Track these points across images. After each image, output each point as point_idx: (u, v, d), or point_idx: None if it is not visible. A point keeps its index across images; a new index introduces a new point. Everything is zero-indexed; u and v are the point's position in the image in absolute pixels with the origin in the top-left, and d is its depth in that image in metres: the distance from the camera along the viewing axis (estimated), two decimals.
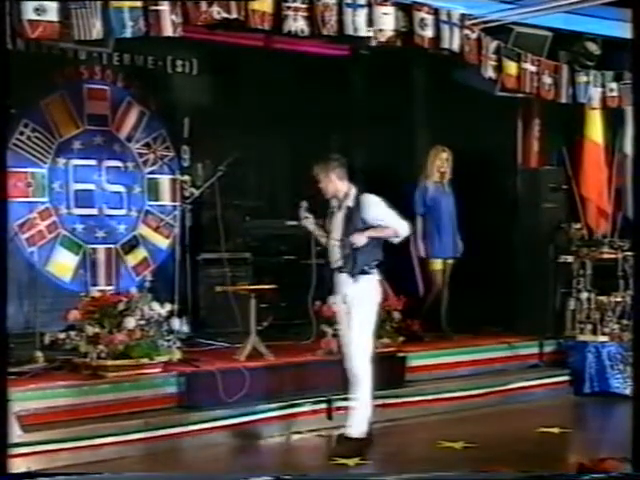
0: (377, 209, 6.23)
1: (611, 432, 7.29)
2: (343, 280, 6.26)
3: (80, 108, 8.48)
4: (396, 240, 6.31)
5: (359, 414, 6.18)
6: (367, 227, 6.16)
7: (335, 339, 7.35)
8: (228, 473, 5.57)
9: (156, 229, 8.92)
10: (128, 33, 6.14)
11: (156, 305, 6.82)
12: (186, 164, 9.08)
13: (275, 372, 7.01)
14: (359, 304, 6.19)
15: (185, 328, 7.24)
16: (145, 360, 6.58)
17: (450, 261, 8.37)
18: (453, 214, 8.36)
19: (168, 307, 6.91)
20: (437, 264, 8.31)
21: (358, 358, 6.16)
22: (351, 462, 5.96)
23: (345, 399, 6.83)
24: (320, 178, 6.34)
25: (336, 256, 6.26)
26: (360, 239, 6.12)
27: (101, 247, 8.58)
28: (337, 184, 6.32)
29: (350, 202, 6.28)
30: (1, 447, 4.20)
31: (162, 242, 8.94)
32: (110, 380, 6.42)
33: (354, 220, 6.21)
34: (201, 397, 6.61)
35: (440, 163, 8.34)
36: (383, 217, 6.22)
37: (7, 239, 4.43)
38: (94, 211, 8.58)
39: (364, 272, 6.19)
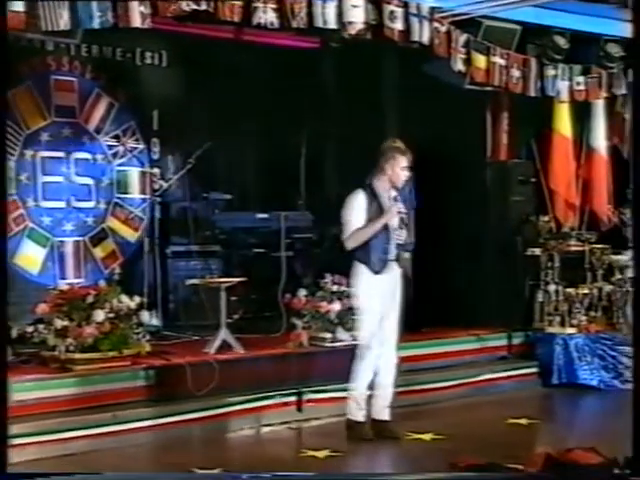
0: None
1: (578, 423, 7.37)
2: (389, 270, 6.30)
3: (47, 100, 8.41)
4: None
5: (389, 396, 6.38)
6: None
7: (305, 332, 7.39)
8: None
9: (125, 222, 8.89)
10: (96, 24, 6.09)
11: (125, 298, 6.80)
12: (156, 156, 9.04)
13: (245, 365, 7.01)
14: (399, 292, 6.36)
15: (155, 321, 7.24)
16: (114, 353, 6.55)
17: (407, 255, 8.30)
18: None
19: (137, 300, 6.89)
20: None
21: (394, 345, 6.36)
22: (320, 454, 5.98)
23: (317, 391, 6.91)
24: (406, 167, 6.31)
25: (392, 246, 6.30)
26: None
27: (69, 240, 8.53)
28: None
29: (398, 196, 6.34)
30: (1, 447, 4.21)
31: (131, 235, 8.89)
32: (79, 373, 6.39)
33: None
34: (171, 390, 6.59)
35: None
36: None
37: (6, 238, 4.40)
38: (62, 204, 8.53)
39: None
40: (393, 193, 6.30)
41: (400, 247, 6.39)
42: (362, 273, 6.33)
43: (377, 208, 6.26)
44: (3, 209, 4.32)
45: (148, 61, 8.96)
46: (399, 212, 6.27)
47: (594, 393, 8.15)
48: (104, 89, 8.77)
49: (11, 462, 5.38)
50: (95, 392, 6.37)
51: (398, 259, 6.38)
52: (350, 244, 6.30)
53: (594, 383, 8.25)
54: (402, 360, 7.13)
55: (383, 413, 6.43)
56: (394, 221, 6.29)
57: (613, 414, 7.49)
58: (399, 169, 6.28)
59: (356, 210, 6.27)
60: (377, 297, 6.29)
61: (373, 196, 6.29)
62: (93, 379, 6.40)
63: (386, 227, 6.27)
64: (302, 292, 7.55)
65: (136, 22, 6.20)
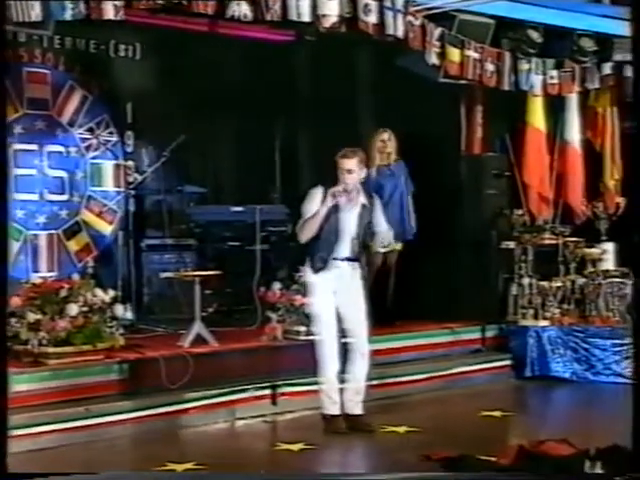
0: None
1: (551, 415, 7.42)
2: (343, 270, 6.31)
3: (20, 92, 8.34)
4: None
5: (362, 390, 6.40)
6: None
7: (280, 325, 7.39)
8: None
9: (99, 215, 8.84)
10: (68, 16, 6.05)
11: (99, 291, 6.78)
12: (130, 149, 9.02)
13: (219, 358, 7.00)
14: (362, 289, 6.36)
15: (128, 315, 7.19)
16: (88, 347, 6.53)
17: (398, 246, 8.34)
18: (402, 196, 8.31)
19: (111, 293, 6.87)
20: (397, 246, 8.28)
21: (366, 338, 6.37)
22: (295, 448, 5.98)
23: (291, 385, 6.91)
24: (355, 167, 6.29)
25: (346, 248, 6.29)
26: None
27: (42, 233, 8.47)
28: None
29: (363, 199, 6.33)
30: (1, 447, 4.23)
31: (105, 228, 8.86)
32: (52, 367, 6.36)
33: (365, 219, 6.32)
34: (144, 384, 6.57)
35: (381, 144, 8.31)
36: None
37: (7, 236, 4.39)
38: (35, 196, 8.47)
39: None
40: (358, 197, 6.32)
41: (361, 245, 6.37)
42: (307, 269, 6.44)
43: (331, 210, 6.25)
44: (4, 208, 4.31)
45: (122, 53, 8.92)
46: (345, 200, 6.24)
47: (567, 385, 8.21)
48: (77, 81, 8.72)
49: None
50: (68, 386, 6.33)
51: (354, 258, 6.34)
52: (300, 237, 6.35)
53: (567, 375, 8.31)
54: (376, 353, 7.18)
55: (356, 408, 6.43)
56: (349, 226, 6.28)
57: (585, 406, 7.56)
58: (339, 172, 6.28)
59: (311, 204, 6.30)
60: (322, 294, 6.34)
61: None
62: (66, 373, 6.36)
63: (335, 225, 6.26)
64: (277, 285, 7.54)
65: (109, 14, 6.17)
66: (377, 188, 8.10)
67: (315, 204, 6.29)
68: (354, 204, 6.31)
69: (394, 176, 8.31)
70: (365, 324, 6.41)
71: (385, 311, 8.33)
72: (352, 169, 6.28)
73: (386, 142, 8.28)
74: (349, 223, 6.31)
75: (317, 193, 6.33)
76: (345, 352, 6.42)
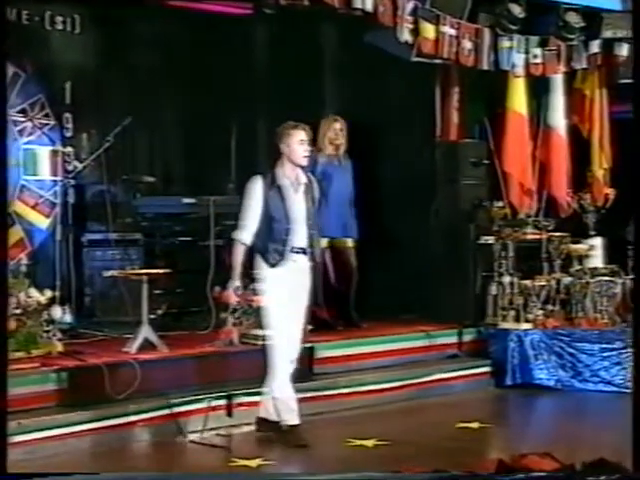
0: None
1: (533, 427, 7.48)
2: (299, 262, 6.33)
3: None
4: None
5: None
6: None
7: (236, 328, 7.39)
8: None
9: (34, 207, 8.78)
10: None
11: (34, 292, 6.77)
12: (69, 134, 8.96)
13: (169, 365, 7.00)
14: (309, 285, 6.39)
15: (68, 317, 7.18)
16: (21, 354, 6.50)
17: (350, 243, 8.35)
18: (348, 190, 8.33)
19: (48, 294, 6.87)
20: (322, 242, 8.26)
21: (300, 340, 6.44)
22: (253, 464, 5.99)
23: (249, 394, 6.90)
24: (306, 138, 6.30)
25: (299, 236, 6.31)
26: None
27: None
28: None
29: (305, 179, 6.38)
30: (1, 447, 4.31)
31: (41, 221, 8.79)
32: None
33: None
34: (86, 394, 6.54)
35: (333, 134, 8.34)
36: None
37: (7, 236, 4.38)
38: None
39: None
40: (300, 176, 6.33)
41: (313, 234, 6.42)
42: (261, 266, 6.41)
43: (276, 196, 6.28)
44: (3, 205, 4.29)
45: (59, 26, 8.85)
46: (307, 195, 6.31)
47: (551, 394, 8.29)
48: (8, 57, 8.61)
49: None
50: None
51: (308, 249, 6.36)
52: (243, 237, 6.35)
53: (551, 383, 8.38)
54: (343, 359, 7.23)
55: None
56: (298, 208, 6.31)
57: (571, 417, 7.64)
58: (296, 144, 6.28)
59: (253, 200, 6.31)
60: (280, 292, 6.33)
61: (272, 184, 6.30)
62: None
63: (286, 215, 6.28)
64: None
65: None
66: (324, 177, 8.10)
67: (258, 201, 6.29)
68: (298, 183, 6.34)
69: (343, 169, 8.33)
70: (304, 324, 6.42)
71: (349, 313, 8.38)
72: (304, 139, 6.30)
73: (338, 132, 8.32)
74: (298, 204, 6.33)
75: (257, 187, 6.31)
76: None
